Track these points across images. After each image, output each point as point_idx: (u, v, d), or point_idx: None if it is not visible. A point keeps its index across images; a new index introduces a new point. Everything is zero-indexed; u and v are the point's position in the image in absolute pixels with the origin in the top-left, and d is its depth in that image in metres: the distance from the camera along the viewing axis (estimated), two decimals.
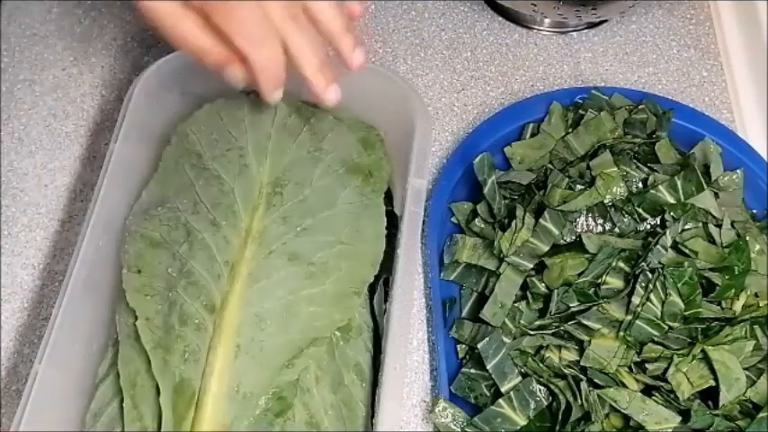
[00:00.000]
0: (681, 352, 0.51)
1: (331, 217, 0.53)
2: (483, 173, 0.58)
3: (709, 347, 0.51)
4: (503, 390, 0.51)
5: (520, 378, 0.52)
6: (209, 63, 0.48)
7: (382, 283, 0.55)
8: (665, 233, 0.53)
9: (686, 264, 0.52)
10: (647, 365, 0.52)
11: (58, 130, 0.65)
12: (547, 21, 0.70)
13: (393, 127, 0.58)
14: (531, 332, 0.53)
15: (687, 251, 0.54)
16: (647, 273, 0.52)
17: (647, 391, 0.51)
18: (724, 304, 0.53)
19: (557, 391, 0.51)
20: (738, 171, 0.59)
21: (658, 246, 0.52)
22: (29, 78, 0.67)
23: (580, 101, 0.63)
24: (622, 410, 0.50)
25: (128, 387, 0.48)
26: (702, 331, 0.52)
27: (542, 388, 0.52)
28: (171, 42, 0.48)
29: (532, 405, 0.51)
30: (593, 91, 0.63)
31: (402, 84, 0.58)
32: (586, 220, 0.55)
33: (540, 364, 0.52)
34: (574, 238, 0.55)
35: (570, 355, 0.52)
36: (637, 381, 0.52)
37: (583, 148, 0.60)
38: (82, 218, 0.59)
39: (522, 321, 0.54)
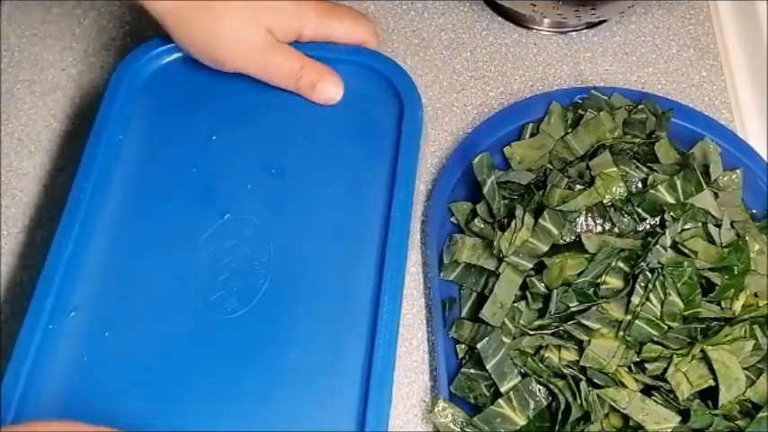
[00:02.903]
0: (680, 352, 0.51)
1: None
2: (482, 173, 0.58)
3: (709, 347, 0.51)
4: (502, 390, 0.51)
5: (519, 378, 0.52)
6: (303, 85, 0.58)
7: None
8: (664, 233, 0.53)
9: (686, 264, 0.52)
10: (646, 365, 0.52)
11: (57, 130, 0.65)
12: (546, 21, 0.70)
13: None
14: (531, 332, 0.53)
15: (687, 251, 0.54)
16: (647, 273, 0.52)
17: (647, 390, 0.51)
18: (723, 304, 0.53)
19: (556, 390, 0.51)
20: (738, 171, 0.59)
21: (658, 246, 0.52)
22: (29, 78, 0.67)
23: (579, 101, 0.63)
24: (622, 410, 0.50)
25: None
26: (702, 331, 0.52)
27: (542, 388, 0.52)
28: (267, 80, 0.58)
29: (532, 405, 0.51)
30: (592, 91, 0.63)
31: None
32: (586, 220, 0.55)
33: (540, 364, 0.52)
34: (573, 238, 0.55)
35: (570, 354, 0.52)
36: (636, 381, 0.52)
37: (582, 148, 0.60)
38: None
39: (521, 321, 0.54)
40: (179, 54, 0.60)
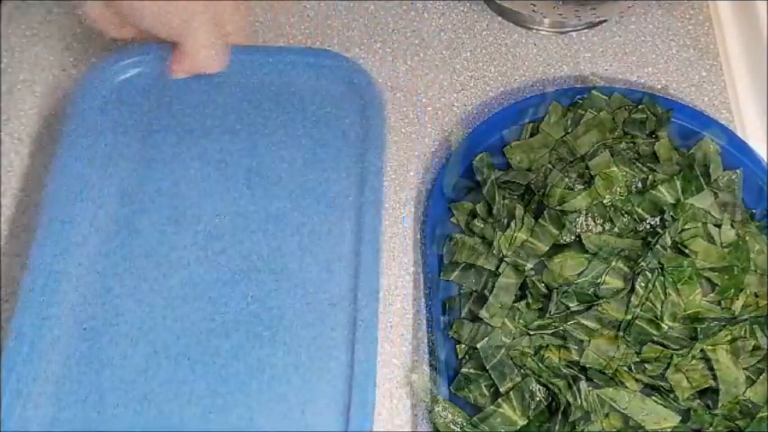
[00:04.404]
0: (680, 352, 0.51)
1: None
2: (482, 173, 0.58)
3: (709, 347, 0.51)
4: (502, 390, 0.52)
5: (519, 378, 0.52)
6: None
7: None
8: (664, 233, 0.53)
9: (686, 264, 0.52)
10: (646, 365, 0.52)
11: (57, 130, 0.65)
12: (546, 21, 0.70)
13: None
14: (531, 332, 0.53)
15: (687, 251, 0.54)
16: (647, 273, 0.52)
17: (647, 390, 0.51)
18: (723, 304, 0.54)
19: (556, 390, 0.51)
20: (738, 171, 0.59)
21: (658, 246, 0.52)
22: (29, 78, 0.67)
23: (580, 101, 0.63)
24: (622, 410, 0.50)
25: None
26: (702, 331, 0.52)
27: (542, 388, 0.52)
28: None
29: (532, 405, 0.51)
30: (592, 91, 0.63)
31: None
32: (586, 220, 0.55)
33: (540, 364, 0.52)
34: (573, 237, 0.55)
35: (570, 354, 0.52)
36: (636, 380, 0.52)
37: (582, 147, 0.60)
38: None
39: (521, 321, 0.54)
40: (139, 69, 0.62)
